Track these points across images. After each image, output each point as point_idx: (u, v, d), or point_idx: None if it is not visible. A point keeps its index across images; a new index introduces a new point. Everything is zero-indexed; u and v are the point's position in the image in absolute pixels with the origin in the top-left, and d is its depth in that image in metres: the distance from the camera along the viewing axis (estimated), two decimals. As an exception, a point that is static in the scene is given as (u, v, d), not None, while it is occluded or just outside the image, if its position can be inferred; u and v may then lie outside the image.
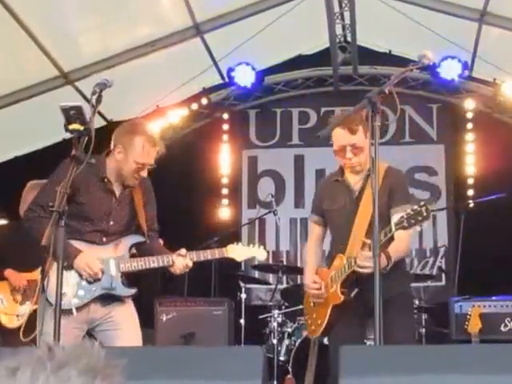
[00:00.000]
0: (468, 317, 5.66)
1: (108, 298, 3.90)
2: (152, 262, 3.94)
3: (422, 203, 3.52)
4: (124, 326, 3.90)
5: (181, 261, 3.95)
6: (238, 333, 6.77)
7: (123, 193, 4.02)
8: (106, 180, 3.93)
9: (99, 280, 3.84)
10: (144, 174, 3.99)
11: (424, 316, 6.49)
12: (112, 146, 3.97)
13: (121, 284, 3.91)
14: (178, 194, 8.36)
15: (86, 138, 3.44)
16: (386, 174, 4.02)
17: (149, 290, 7.97)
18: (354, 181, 4.11)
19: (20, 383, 1.08)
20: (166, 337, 6.63)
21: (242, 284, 7.08)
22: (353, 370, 2.58)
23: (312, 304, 4.21)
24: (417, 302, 6.47)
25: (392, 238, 3.68)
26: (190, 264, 3.97)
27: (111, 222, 3.94)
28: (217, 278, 7.55)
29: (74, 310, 3.75)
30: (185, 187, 8.42)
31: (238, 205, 8.93)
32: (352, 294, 3.94)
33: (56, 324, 3.26)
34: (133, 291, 3.97)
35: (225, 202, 8.93)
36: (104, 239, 3.93)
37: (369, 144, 3.95)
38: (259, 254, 4.26)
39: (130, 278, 4.00)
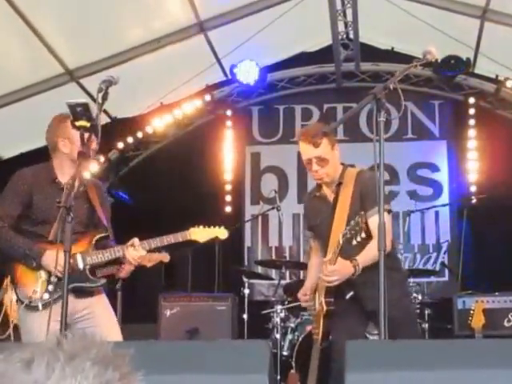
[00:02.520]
0: (471, 312, 5.67)
1: (80, 291, 3.96)
2: (117, 252, 3.98)
3: (360, 213, 3.70)
4: (102, 322, 3.97)
5: (131, 253, 3.96)
6: (241, 328, 6.79)
7: (77, 191, 4.06)
8: (57, 181, 4.00)
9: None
10: (94, 145, 3.94)
11: (427, 311, 6.49)
12: (52, 146, 4.04)
13: (89, 276, 3.98)
14: (181, 190, 8.39)
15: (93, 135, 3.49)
16: (356, 179, 4.10)
17: (152, 286, 8.01)
18: (329, 192, 4.22)
19: (36, 375, 1.07)
20: (169, 332, 6.66)
21: (245, 279, 7.10)
22: (358, 365, 2.61)
23: (314, 313, 4.35)
24: (420, 297, 6.48)
25: (363, 246, 3.86)
26: (143, 253, 3.98)
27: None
28: (220, 274, 7.57)
29: (40, 306, 3.81)
30: (188, 183, 8.44)
31: (241, 201, 8.96)
32: (347, 296, 4.06)
33: (63, 318, 3.29)
34: (102, 281, 4.03)
35: (228, 198, 8.94)
36: None
37: (337, 154, 4.13)
38: (220, 233, 4.31)
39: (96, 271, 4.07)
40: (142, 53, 7.22)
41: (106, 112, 7.51)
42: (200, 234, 4.22)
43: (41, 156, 7.58)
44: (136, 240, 4.01)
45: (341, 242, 3.79)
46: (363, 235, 3.70)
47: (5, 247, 3.88)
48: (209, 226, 4.30)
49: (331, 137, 4.17)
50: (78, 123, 3.46)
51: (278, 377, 6.05)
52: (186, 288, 7.55)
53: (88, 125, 3.46)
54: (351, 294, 4.04)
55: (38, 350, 1.11)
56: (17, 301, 3.87)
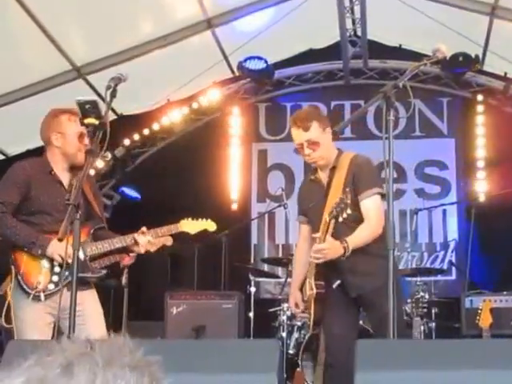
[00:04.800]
0: (479, 311, 5.65)
1: (80, 283, 3.90)
2: (116, 243, 4.05)
3: (345, 190, 3.80)
4: (90, 320, 3.96)
5: (143, 238, 4.05)
6: (247, 326, 6.78)
7: (71, 183, 4.11)
8: (52, 173, 4.05)
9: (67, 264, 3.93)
10: (86, 141, 4.00)
11: (434, 310, 6.46)
12: (46, 141, 4.10)
13: (90, 266, 4.02)
14: (187, 187, 8.37)
15: (101, 132, 3.48)
16: (351, 162, 4.12)
17: (159, 283, 8.01)
18: (323, 176, 4.22)
19: (80, 380, 1.03)
20: (175, 329, 6.65)
21: (251, 277, 7.08)
22: (368, 364, 2.59)
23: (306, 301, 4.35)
24: (427, 296, 6.45)
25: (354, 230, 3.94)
26: (152, 240, 4.08)
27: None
28: (226, 272, 7.56)
29: (43, 297, 3.83)
30: (195, 180, 8.43)
31: (248, 198, 8.94)
32: (334, 286, 4.08)
33: (71, 317, 3.28)
34: (103, 272, 4.07)
35: (234, 195, 8.93)
36: None
37: (329, 137, 4.14)
38: (209, 225, 4.48)
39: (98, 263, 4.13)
40: (149, 50, 7.22)
41: (112, 109, 7.50)
42: (190, 226, 4.35)
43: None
44: (145, 228, 4.10)
45: (327, 220, 3.82)
46: (349, 211, 3.75)
47: (8, 234, 3.88)
48: (198, 219, 4.42)
49: (322, 120, 4.16)
50: (86, 120, 3.46)
51: (284, 375, 6.04)
52: (193, 286, 7.55)
53: (96, 122, 3.45)
54: (338, 282, 4.06)
55: (72, 353, 1.06)
56: (20, 289, 3.85)
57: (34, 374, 1.04)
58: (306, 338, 6.11)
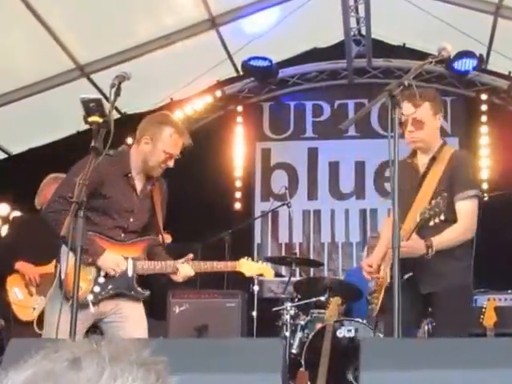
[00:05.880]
0: (483, 310, 5.63)
1: (120, 295, 3.90)
2: (156, 267, 3.96)
3: (443, 195, 3.61)
4: (131, 318, 3.90)
5: (185, 269, 3.98)
6: (250, 325, 6.76)
7: (144, 189, 4.02)
8: (129, 175, 3.94)
9: (113, 277, 3.84)
10: (171, 163, 3.99)
11: (438, 309, 6.44)
12: (138, 137, 3.99)
13: (136, 285, 3.93)
14: (191, 186, 8.36)
15: (105, 131, 3.47)
16: (451, 158, 3.98)
17: (161, 282, 7.98)
18: (422, 162, 4.06)
19: (88, 373, 1.03)
20: (178, 329, 6.63)
21: (254, 276, 7.06)
22: (373, 363, 2.59)
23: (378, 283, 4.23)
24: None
25: (439, 228, 3.74)
26: (192, 273, 4.01)
27: (131, 219, 3.93)
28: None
29: (91, 307, 3.75)
30: (198, 179, 8.41)
31: (251, 197, 8.93)
32: (405, 277, 3.87)
33: (73, 318, 3.25)
34: (147, 293, 3.99)
35: (238, 194, 8.92)
36: (122, 235, 3.93)
37: (437, 124, 4.00)
38: (267, 272, 4.38)
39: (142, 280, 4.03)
40: (153, 48, 7.22)
41: (116, 108, 7.49)
42: (247, 267, 4.25)
43: (50, 152, 7.63)
44: (191, 256, 4.03)
45: (417, 220, 3.69)
46: (442, 217, 3.60)
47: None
48: (258, 261, 4.36)
49: (436, 104, 4.02)
50: (90, 119, 3.46)
51: (287, 375, 6.01)
52: (195, 285, 7.52)
53: (100, 120, 3.44)
54: (410, 274, 3.88)
55: (79, 350, 1.07)
56: (60, 292, 3.69)
57: (41, 367, 1.04)
58: (310, 337, 6.09)
